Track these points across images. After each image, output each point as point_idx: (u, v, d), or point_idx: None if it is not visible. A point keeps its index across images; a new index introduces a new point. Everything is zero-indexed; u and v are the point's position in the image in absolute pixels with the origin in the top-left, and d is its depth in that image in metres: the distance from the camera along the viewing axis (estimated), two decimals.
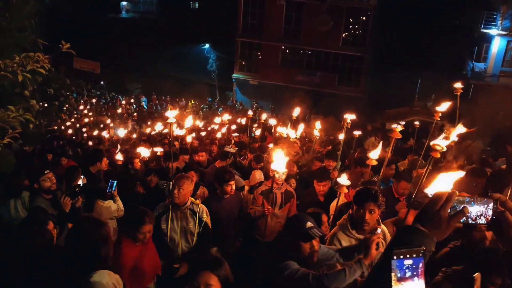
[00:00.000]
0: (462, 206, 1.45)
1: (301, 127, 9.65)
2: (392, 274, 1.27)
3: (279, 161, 3.92)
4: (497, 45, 23.26)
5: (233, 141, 8.00)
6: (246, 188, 6.58)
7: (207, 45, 34.69)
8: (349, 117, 6.31)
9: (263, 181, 6.14)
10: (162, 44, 33.51)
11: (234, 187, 5.36)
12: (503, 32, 22.72)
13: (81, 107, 22.82)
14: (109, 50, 31.06)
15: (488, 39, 23.81)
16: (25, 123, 4.68)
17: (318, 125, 9.28)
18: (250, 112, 10.93)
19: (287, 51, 30.10)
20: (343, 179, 4.11)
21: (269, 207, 5.21)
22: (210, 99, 31.31)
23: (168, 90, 31.03)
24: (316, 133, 9.25)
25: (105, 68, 29.62)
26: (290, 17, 29.20)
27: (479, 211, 1.51)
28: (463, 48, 26.41)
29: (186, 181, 4.43)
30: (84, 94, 23.09)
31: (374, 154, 4.76)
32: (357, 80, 29.38)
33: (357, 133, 8.19)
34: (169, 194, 4.59)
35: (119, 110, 25.43)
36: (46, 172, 4.68)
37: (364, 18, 28.06)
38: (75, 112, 21.38)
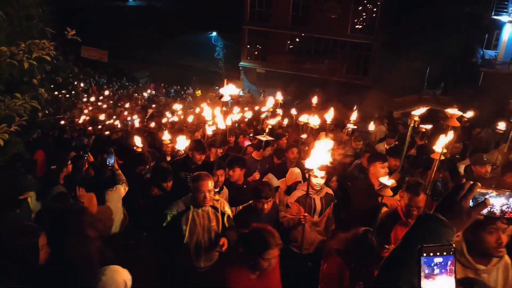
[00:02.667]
0: (484, 198, 1.43)
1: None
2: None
3: (317, 159, 3.24)
4: (508, 32, 22.87)
5: (267, 129, 7.02)
6: (282, 187, 5.74)
7: (214, 33, 34.57)
8: (418, 112, 5.27)
9: (300, 181, 5.42)
10: (169, 33, 33.50)
11: (271, 204, 4.49)
12: None
13: (92, 98, 22.85)
14: (116, 38, 31.12)
15: (499, 26, 23.42)
16: (33, 111, 4.73)
17: (331, 113, 8.20)
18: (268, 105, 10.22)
19: (295, 39, 29.87)
20: (386, 179, 3.57)
21: (306, 214, 4.29)
22: (216, 87, 31.29)
23: (175, 79, 31.07)
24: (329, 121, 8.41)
25: (113, 57, 29.69)
26: (297, 4, 28.93)
27: (504, 204, 1.46)
28: (473, 35, 26.03)
29: (211, 181, 3.98)
30: (92, 83, 23.17)
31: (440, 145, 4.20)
32: (365, 68, 29.15)
33: (427, 127, 6.99)
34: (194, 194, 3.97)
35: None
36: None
37: (372, 5, 27.70)
38: (88, 102, 21.48)
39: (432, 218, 1.38)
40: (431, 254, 1.25)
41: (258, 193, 4.37)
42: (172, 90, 30.25)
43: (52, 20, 8.26)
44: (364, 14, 28.24)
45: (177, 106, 16.74)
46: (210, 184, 3.91)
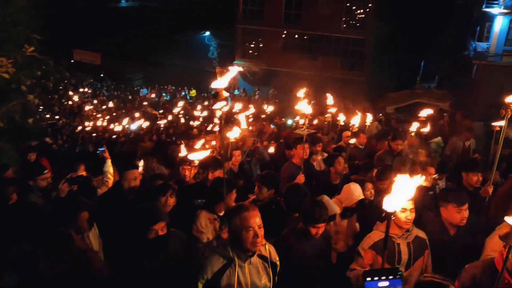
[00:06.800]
0: None
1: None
2: None
3: (401, 196, 2.25)
4: (499, 24, 22.90)
5: (307, 122, 6.05)
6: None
7: (207, 33, 34.55)
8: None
9: (360, 200, 4.50)
10: (162, 33, 33.44)
11: (324, 228, 3.70)
12: (505, 11, 22.35)
13: (89, 106, 22.88)
14: (109, 40, 31.05)
15: (490, 18, 23.44)
16: (24, 117, 4.76)
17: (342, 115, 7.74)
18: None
19: (289, 36, 29.87)
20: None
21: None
22: (212, 87, 31.25)
23: (170, 79, 31.05)
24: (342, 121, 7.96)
25: (106, 59, 29.63)
26: (290, 2, 28.92)
27: None
28: (465, 28, 26.10)
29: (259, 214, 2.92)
30: (85, 86, 23.20)
31: None
32: (360, 63, 29.16)
33: (498, 124, 5.29)
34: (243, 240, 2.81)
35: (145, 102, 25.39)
36: (45, 172, 4.71)
37: (365, 0, 27.73)
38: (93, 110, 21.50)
39: None
40: (375, 278, 1.23)
41: (311, 217, 3.53)
42: (165, 93, 30.20)
43: (41, 25, 8.26)
44: (357, 9, 28.26)
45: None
46: (259, 217, 2.88)
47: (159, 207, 3.74)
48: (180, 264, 3.21)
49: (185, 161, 5.38)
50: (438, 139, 8.18)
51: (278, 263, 3.08)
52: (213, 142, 7.53)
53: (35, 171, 4.72)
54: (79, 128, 16.26)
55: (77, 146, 12.64)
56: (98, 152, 5.38)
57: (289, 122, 8.14)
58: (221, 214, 3.94)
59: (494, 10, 22.76)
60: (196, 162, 5.29)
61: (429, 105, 14.02)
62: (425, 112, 6.37)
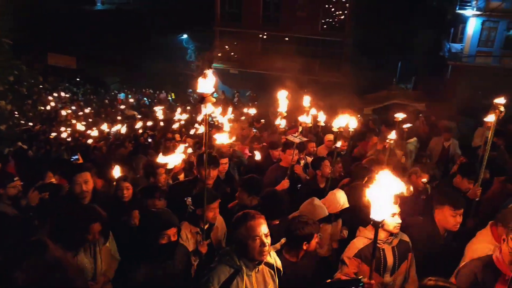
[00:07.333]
0: None
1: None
2: None
3: (387, 204, 2.12)
4: (472, 26, 23.51)
5: (300, 129, 5.84)
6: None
7: (185, 36, 34.33)
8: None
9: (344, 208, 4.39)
10: (139, 36, 33.06)
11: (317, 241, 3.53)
12: (478, 12, 22.97)
13: (67, 111, 22.33)
14: (85, 44, 30.52)
15: (464, 20, 24.04)
16: None
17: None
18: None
19: (267, 38, 29.92)
20: None
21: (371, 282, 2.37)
22: (190, 90, 31.07)
23: (147, 83, 30.73)
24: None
25: (82, 63, 29.10)
26: (268, 4, 29.01)
27: None
28: (440, 30, 26.66)
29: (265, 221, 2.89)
30: (60, 91, 22.70)
31: None
32: (338, 65, 29.41)
33: (490, 120, 5.21)
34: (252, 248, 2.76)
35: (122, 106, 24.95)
36: (15, 179, 4.58)
37: (342, 3, 28.02)
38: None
39: None
40: None
41: (303, 235, 3.31)
42: (146, 98, 29.86)
43: (13, 29, 8.03)
44: (334, 11, 28.53)
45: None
46: (265, 226, 2.82)
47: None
48: (184, 274, 3.19)
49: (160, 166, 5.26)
50: (414, 139, 8.27)
51: (281, 269, 3.06)
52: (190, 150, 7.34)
53: (3, 179, 4.58)
54: (53, 134, 15.85)
55: (52, 153, 12.32)
56: (72, 160, 5.25)
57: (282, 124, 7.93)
58: (205, 227, 3.75)
59: (467, 12, 23.36)
60: (170, 166, 5.30)
61: (405, 106, 14.25)
62: (400, 116, 6.49)
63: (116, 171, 4.82)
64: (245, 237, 2.73)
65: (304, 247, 3.36)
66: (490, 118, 4.49)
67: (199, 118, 12.07)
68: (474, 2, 22.98)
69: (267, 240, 2.76)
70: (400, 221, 3.36)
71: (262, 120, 11.86)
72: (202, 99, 3.05)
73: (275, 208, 3.97)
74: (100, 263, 3.37)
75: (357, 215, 4.34)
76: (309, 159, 6.68)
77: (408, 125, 6.82)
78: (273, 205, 4.00)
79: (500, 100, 4.33)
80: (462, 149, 8.26)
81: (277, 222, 3.96)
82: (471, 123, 10.75)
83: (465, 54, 23.50)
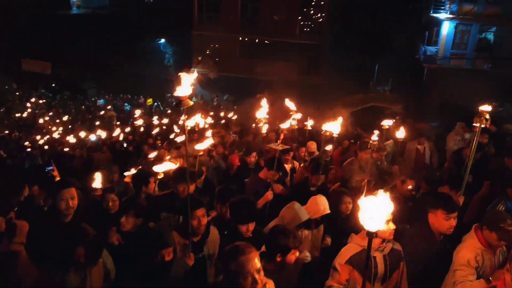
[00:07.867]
0: None
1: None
2: None
3: (379, 216, 2.06)
4: (446, 29, 23.98)
5: (282, 136, 5.70)
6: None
7: (162, 40, 34.00)
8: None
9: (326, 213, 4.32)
10: (116, 40, 32.55)
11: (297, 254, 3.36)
12: (451, 16, 23.44)
13: (45, 118, 21.73)
14: (60, 48, 29.89)
15: (438, 23, 24.50)
16: None
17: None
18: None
19: (246, 42, 29.88)
20: None
21: None
22: (169, 94, 30.75)
23: (125, 88, 30.28)
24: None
25: (57, 68, 28.47)
26: (246, 7, 28.98)
27: None
28: (416, 32, 27.09)
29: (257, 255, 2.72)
30: (34, 97, 22.15)
31: None
32: (316, 68, 29.58)
33: (477, 125, 5.12)
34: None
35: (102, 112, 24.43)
36: None
37: (319, 6, 28.22)
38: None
39: None
40: None
41: (283, 246, 3.15)
42: (126, 103, 29.43)
43: None
44: (312, 15, 28.71)
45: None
46: (257, 260, 2.61)
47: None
48: None
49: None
50: (390, 141, 8.21)
51: None
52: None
53: None
54: (26, 143, 15.40)
55: (26, 161, 11.94)
56: (46, 170, 5.07)
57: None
58: (194, 239, 3.52)
59: (441, 15, 23.81)
60: (161, 175, 5.20)
61: (383, 108, 14.36)
62: (387, 123, 6.41)
63: (97, 181, 4.59)
64: (235, 274, 2.53)
65: (278, 259, 3.18)
66: (476, 125, 4.42)
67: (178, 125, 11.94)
68: (447, 6, 23.44)
69: (259, 276, 2.56)
70: (394, 226, 3.29)
71: (240, 125, 11.80)
72: (179, 102, 2.93)
73: (242, 215, 3.75)
74: (90, 278, 3.07)
75: (337, 223, 4.48)
76: (297, 163, 6.67)
77: (389, 121, 6.63)
78: (240, 211, 3.77)
79: (486, 108, 4.23)
80: (439, 153, 8.33)
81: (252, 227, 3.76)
82: (447, 124, 10.87)
83: (440, 57, 23.95)
